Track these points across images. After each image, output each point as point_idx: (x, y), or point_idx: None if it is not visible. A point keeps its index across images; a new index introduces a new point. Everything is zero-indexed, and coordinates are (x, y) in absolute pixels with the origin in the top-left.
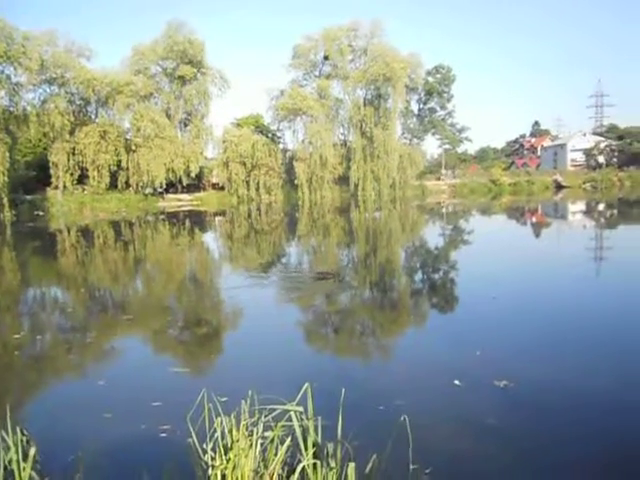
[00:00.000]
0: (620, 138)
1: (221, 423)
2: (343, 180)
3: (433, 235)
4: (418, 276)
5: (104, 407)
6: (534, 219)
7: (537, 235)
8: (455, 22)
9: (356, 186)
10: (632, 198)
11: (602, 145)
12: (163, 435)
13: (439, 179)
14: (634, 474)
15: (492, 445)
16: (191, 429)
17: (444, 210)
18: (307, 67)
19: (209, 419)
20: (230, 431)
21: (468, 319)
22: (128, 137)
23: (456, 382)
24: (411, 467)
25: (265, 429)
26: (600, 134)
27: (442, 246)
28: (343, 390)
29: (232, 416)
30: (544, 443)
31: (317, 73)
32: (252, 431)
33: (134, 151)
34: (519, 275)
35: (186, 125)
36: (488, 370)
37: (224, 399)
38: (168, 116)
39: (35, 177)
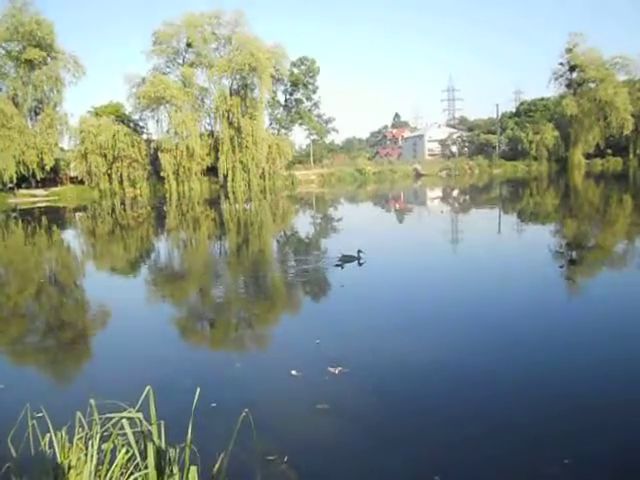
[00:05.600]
0: (470, 130)
1: (49, 440)
2: (212, 171)
3: (304, 224)
4: (281, 267)
5: None
6: (397, 205)
7: (400, 221)
8: (315, 16)
9: (225, 177)
10: (480, 185)
11: (454, 136)
12: None
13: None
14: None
15: (325, 427)
16: (12, 452)
17: (312, 199)
18: (169, 54)
19: (34, 438)
20: (62, 447)
21: (315, 309)
22: None
23: (293, 372)
24: (259, 460)
25: (105, 440)
26: (453, 126)
27: (310, 235)
28: (186, 390)
29: (63, 431)
30: (377, 422)
31: (180, 61)
32: (88, 444)
33: None
34: (375, 262)
35: (37, 114)
36: (325, 358)
37: (56, 413)
38: (15, 104)
39: None
